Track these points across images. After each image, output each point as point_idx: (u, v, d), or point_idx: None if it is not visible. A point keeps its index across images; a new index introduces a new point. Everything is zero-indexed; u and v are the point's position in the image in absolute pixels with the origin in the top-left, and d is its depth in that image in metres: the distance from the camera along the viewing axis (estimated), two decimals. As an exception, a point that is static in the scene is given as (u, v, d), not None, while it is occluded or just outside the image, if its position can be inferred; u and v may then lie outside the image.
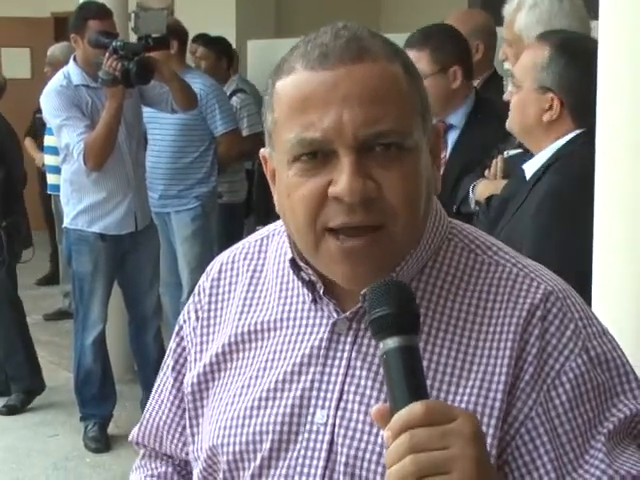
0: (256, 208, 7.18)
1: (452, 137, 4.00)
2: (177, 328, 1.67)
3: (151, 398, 1.70)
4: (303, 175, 1.36)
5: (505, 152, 3.61)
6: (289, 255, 1.49)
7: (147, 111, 5.82)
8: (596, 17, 2.51)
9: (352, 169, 1.32)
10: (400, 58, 1.41)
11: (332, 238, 1.36)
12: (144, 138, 5.94)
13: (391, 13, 8.77)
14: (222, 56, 7.37)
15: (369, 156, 1.34)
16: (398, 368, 1.22)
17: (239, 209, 7.32)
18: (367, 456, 1.40)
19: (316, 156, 1.35)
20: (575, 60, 2.81)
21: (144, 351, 5.81)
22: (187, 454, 1.64)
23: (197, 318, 1.61)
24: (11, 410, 6.22)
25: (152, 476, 1.70)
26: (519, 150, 3.46)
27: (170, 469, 1.70)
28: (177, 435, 1.65)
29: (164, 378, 1.67)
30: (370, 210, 1.34)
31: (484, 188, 3.61)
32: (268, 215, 6.31)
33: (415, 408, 1.17)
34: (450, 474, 1.15)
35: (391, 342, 1.23)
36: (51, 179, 7.40)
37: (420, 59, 3.83)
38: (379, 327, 1.24)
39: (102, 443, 5.62)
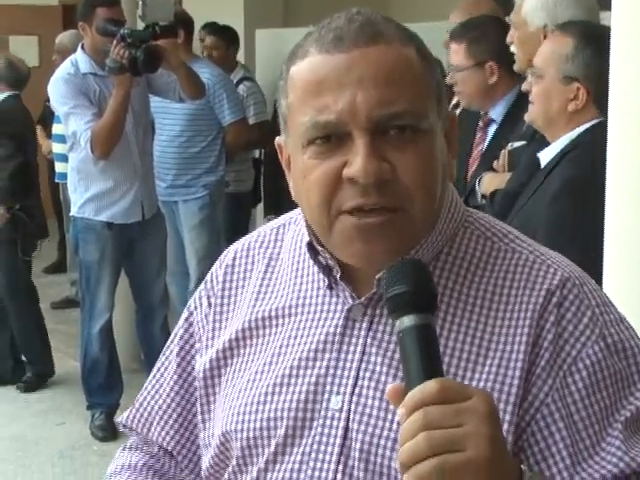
0: (265, 197, 7.17)
1: (491, 131, 4.01)
2: (186, 314, 1.65)
3: (149, 381, 1.69)
4: (318, 158, 1.36)
5: (509, 144, 3.60)
6: (306, 240, 1.48)
7: (155, 100, 5.81)
8: (607, 7, 2.50)
9: (367, 150, 1.32)
10: (414, 42, 1.40)
11: (347, 216, 1.35)
12: (151, 127, 5.93)
13: (400, 4, 8.76)
14: (230, 45, 7.35)
15: (383, 138, 1.33)
16: (414, 346, 1.21)
17: (246, 198, 7.31)
18: (382, 442, 1.39)
19: (330, 139, 1.35)
20: (600, 49, 2.79)
21: (151, 340, 5.81)
22: (174, 446, 1.63)
23: (209, 305, 1.60)
24: (28, 388, 6.34)
25: (123, 466, 1.68)
26: (523, 142, 3.45)
27: (142, 461, 1.67)
28: (170, 422, 1.63)
29: (166, 363, 1.66)
30: (384, 192, 1.33)
31: (489, 181, 3.61)
32: (277, 204, 6.38)
33: (429, 386, 1.16)
34: (464, 451, 1.14)
35: (407, 320, 1.22)
36: (59, 167, 7.39)
37: (457, 52, 3.86)
38: (395, 305, 1.23)
39: (109, 432, 5.61)
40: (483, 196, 3.63)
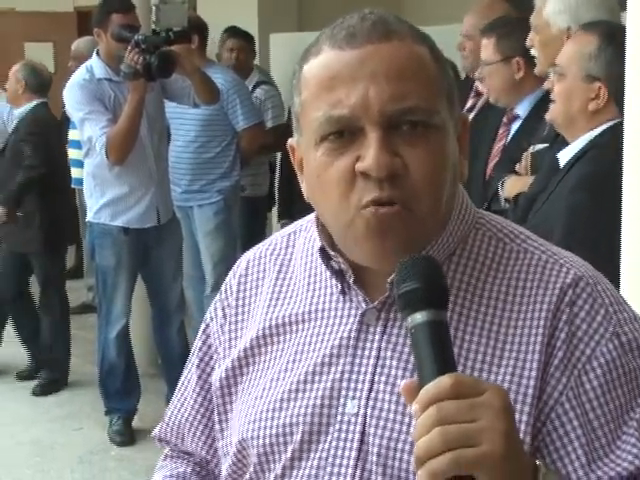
0: (279, 201, 7.17)
1: (514, 127, 4.03)
2: (203, 326, 1.66)
3: (175, 395, 1.70)
4: (331, 155, 1.36)
5: (532, 147, 3.60)
6: (318, 246, 1.48)
7: (170, 105, 5.81)
8: (624, 8, 2.50)
9: (379, 144, 1.32)
10: (427, 42, 1.41)
11: (365, 210, 1.34)
12: (167, 132, 5.94)
13: (413, 7, 8.76)
14: (251, 48, 7.38)
15: (396, 133, 1.34)
16: (427, 342, 1.20)
17: (262, 202, 7.32)
18: (399, 446, 1.38)
19: (343, 135, 1.35)
20: (622, 50, 2.79)
21: (167, 345, 5.82)
22: (207, 452, 1.64)
23: (224, 315, 1.61)
24: (42, 392, 6.42)
25: (171, 476, 1.69)
26: (546, 145, 3.44)
27: (189, 469, 1.69)
28: (198, 433, 1.64)
29: (188, 375, 1.67)
30: (397, 186, 1.33)
31: (512, 185, 3.60)
32: (291, 208, 6.38)
33: (443, 381, 1.16)
34: (479, 446, 1.13)
35: (420, 316, 1.21)
36: (75, 173, 7.40)
37: (486, 47, 3.92)
38: (408, 301, 1.23)
39: (127, 437, 5.63)
40: (507, 200, 3.63)
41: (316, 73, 1.37)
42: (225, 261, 6.12)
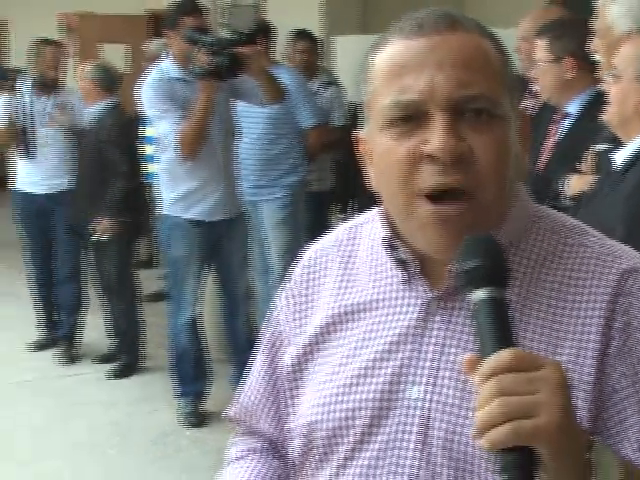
0: (340, 197, 7.21)
1: (565, 124, 4.03)
2: (271, 314, 1.69)
3: (247, 378, 1.73)
4: (398, 139, 1.37)
5: (595, 146, 3.57)
6: (382, 236, 1.50)
7: (238, 104, 5.86)
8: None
9: (446, 128, 1.33)
10: (491, 36, 1.43)
11: (425, 202, 1.36)
12: (236, 130, 5.99)
13: (473, 11, 8.74)
14: (315, 51, 7.41)
15: (461, 119, 1.35)
16: (488, 318, 1.22)
17: (326, 197, 7.37)
18: (463, 430, 1.39)
19: (411, 119, 1.36)
20: None
21: (235, 332, 5.87)
22: (277, 432, 1.67)
23: (291, 304, 1.63)
24: (117, 375, 6.54)
25: (248, 450, 1.73)
26: (608, 145, 3.42)
27: (259, 446, 1.73)
28: (268, 414, 1.68)
29: (258, 360, 1.70)
30: (462, 170, 1.34)
31: (575, 184, 3.59)
32: (350, 204, 6.40)
33: (503, 355, 1.17)
34: (537, 418, 1.14)
35: (482, 293, 1.23)
36: (148, 168, 7.50)
37: (540, 47, 3.94)
38: (471, 278, 1.24)
39: (198, 419, 5.71)
40: (569, 198, 3.62)
41: (385, 61, 1.40)
42: (291, 253, 6.16)
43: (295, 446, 1.57)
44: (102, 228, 6.39)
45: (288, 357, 1.60)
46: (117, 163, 6.39)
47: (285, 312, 1.64)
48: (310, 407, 1.53)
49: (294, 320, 1.62)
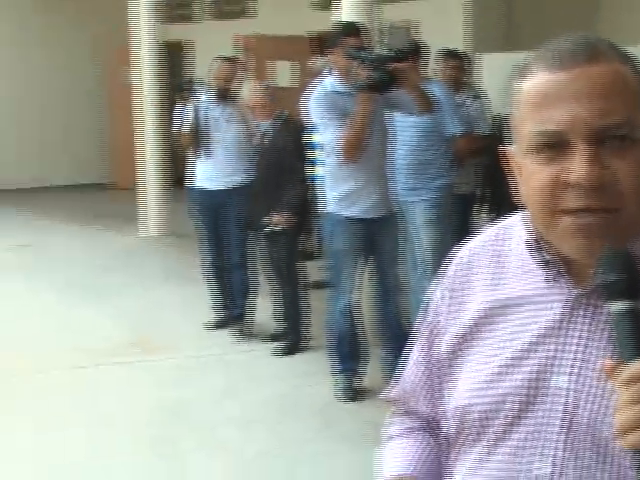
0: (487, 200, 7.15)
1: None
2: (429, 305, 1.68)
3: (405, 364, 1.73)
4: (541, 164, 1.35)
5: None
6: (526, 239, 1.48)
7: (394, 115, 5.87)
8: None
9: (588, 157, 1.30)
10: (629, 60, 1.38)
11: (567, 216, 1.34)
12: (391, 138, 6.00)
13: (608, 27, 8.53)
14: (463, 67, 7.38)
15: (602, 147, 1.31)
16: (629, 327, 1.21)
17: (471, 199, 7.34)
18: (605, 418, 1.36)
19: (554, 147, 1.34)
20: None
21: (386, 319, 5.87)
22: (432, 412, 1.67)
23: (447, 297, 1.62)
24: (283, 353, 6.65)
25: (406, 429, 1.73)
26: None
27: (416, 424, 1.73)
28: (428, 396, 1.67)
29: (416, 347, 1.70)
30: (604, 195, 1.31)
31: None
32: (497, 206, 6.34)
33: None
34: None
35: (621, 305, 1.23)
36: (313, 170, 7.59)
37: None
38: (611, 291, 1.24)
39: (353, 394, 5.73)
40: None
41: (530, 92, 1.38)
42: (439, 250, 6.17)
43: (450, 426, 1.57)
44: (277, 220, 6.49)
45: (444, 345, 1.59)
46: (294, 170, 6.49)
47: (441, 304, 1.63)
48: (464, 391, 1.52)
49: (449, 312, 1.60)
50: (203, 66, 7.60)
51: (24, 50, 15.07)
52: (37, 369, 6.36)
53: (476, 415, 1.49)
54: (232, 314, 7.24)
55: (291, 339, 6.76)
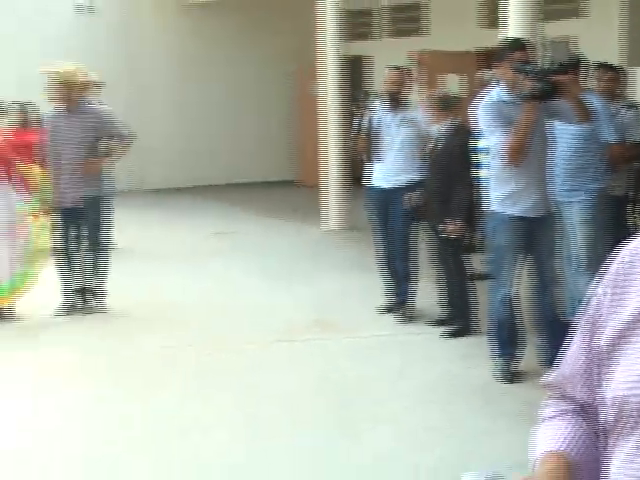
0: (637, 201, 6.90)
1: None
2: (590, 299, 1.62)
3: (566, 351, 1.68)
4: None
5: None
6: None
7: (553, 122, 5.74)
8: None
9: None
10: None
11: None
12: (551, 143, 5.87)
13: None
14: (618, 79, 7.13)
15: None
16: None
17: (623, 201, 7.07)
18: None
19: None
20: None
21: (542, 310, 5.74)
22: (589, 398, 1.61)
23: (609, 293, 1.56)
24: (450, 335, 6.60)
25: (561, 412, 1.69)
26: None
27: (572, 408, 1.67)
28: (587, 383, 1.61)
29: (577, 337, 1.65)
30: None
31: None
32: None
33: None
34: None
35: None
36: (480, 173, 7.50)
37: None
38: None
39: (510, 376, 5.64)
40: None
41: None
42: (594, 247, 6.03)
43: (608, 413, 1.51)
44: (452, 229, 6.44)
45: (604, 337, 1.53)
46: (464, 176, 6.42)
47: (603, 300, 1.57)
48: (623, 382, 1.46)
49: (610, 307, 1.54)
50: (381, 78, 7.61)
51: (235, 66, 15.71)
52: (228, 347, 6.52)
53: (634, 405, 1.43)
54: (398, 299, 7.24)
55: (459, 324, 6.69)
